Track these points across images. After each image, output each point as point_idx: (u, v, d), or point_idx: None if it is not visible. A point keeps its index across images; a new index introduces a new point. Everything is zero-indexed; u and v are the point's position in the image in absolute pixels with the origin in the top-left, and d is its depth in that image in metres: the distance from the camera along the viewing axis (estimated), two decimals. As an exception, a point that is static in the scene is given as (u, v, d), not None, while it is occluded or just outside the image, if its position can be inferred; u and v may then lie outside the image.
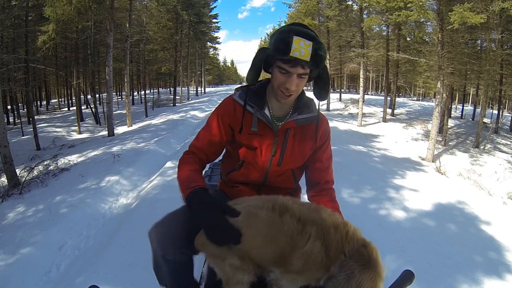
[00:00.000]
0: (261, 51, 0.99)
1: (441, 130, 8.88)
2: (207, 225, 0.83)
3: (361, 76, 12.53)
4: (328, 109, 15.30)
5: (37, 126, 8.46)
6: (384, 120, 12.36)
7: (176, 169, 1.05)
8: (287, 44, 0.89)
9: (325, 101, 15.41)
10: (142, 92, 17.86)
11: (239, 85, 1.14)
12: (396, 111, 14.10)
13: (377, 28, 13.69)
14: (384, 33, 13.48)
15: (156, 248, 0.94)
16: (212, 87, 47.35)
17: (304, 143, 1.08)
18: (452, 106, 15.82)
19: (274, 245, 0.80)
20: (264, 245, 0.81)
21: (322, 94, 1.03)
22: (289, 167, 1.09)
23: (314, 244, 0.77)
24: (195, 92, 27.59)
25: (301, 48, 0.88)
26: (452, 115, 13.66)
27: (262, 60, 0.99)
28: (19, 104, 14.73)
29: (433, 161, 7.20)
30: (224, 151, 1.18)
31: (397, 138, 9.53)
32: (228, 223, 0.81)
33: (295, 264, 0.77)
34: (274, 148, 1.05)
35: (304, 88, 1.05)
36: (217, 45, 26.83)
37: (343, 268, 0.73)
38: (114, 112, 10.19)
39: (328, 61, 14.98)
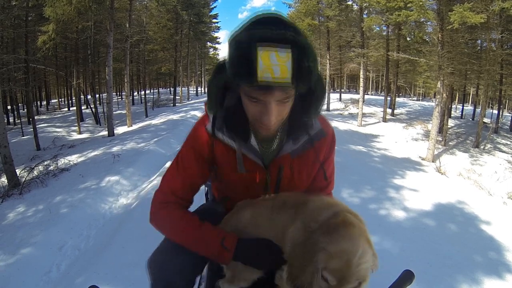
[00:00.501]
0: (216, 74, 0.70)
1: (441, 130, 8.88)
2: (262, 261, 0.76)
3: (361, 76, 12.53)
4: (328, 109, 15.30)
5: (37, 126, 8.47)
6: (384, 120, 12.37)
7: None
8: (249, 64, 0.57)
9: (325, 101, 15.46)
10: (142, 92, 17.87)
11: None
12: (396, 111, 14.11)
13: (377, 28, 13.75)
14: (384, 33, 13.52)
15: (158, 277, 0.79)
16: (212, 87, 47.28)
17: (304, 171, 0.84)
18: (452, 106, 15.81)
19: (271, 231, 0.78)
20: (263, 228, 0.80)
21: (313, 112, 0.75)
22: None
23: (295, 224, 0.74)
24: (195, 92, 27.64)
25: (273, 66, 0.57)
26: (452, 115, 13.66)
27: (221, 88, 0.71)
28: (19, 104, 14.76)
29: (433, 161, 7.19)
30: None
31: (397, 138, 9.53)
32: (272, 249, 0.75)
33: (286, 252, 0.75)
34: (268, 187, 0.83)
35: None
36: (217, 45, 26.86)
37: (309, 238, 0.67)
38: (114, 112, 10.18)
39: (328, 61, 14.96)
